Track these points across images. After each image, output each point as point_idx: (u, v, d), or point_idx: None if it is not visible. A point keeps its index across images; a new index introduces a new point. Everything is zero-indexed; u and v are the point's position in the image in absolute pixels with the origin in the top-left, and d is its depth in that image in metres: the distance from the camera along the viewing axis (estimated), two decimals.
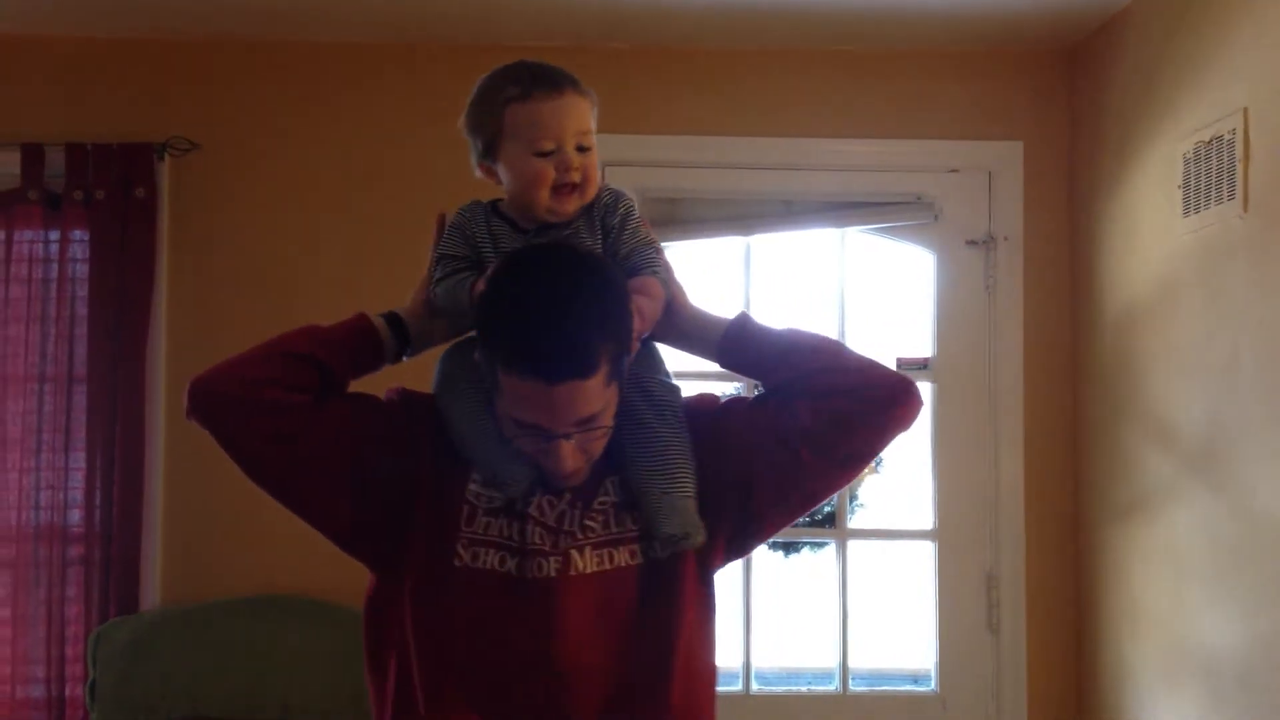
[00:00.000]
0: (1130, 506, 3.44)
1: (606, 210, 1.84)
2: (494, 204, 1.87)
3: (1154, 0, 3.35)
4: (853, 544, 3.87)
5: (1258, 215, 2.86)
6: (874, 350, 3.86)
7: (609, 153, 3.81)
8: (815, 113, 3.82)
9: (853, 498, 4.11)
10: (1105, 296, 3.59)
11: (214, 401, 1.74)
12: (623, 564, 1.77)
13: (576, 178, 1.78)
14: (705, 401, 1.90)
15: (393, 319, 1.84)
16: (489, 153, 1.83)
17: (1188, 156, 3.13)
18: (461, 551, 1.75)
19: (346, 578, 3.66)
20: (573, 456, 1.69)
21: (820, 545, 4.25)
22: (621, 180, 3.74)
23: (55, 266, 3.63)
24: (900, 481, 4.23)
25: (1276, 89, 2.80)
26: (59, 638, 3.56)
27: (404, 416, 1.80)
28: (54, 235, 3.63)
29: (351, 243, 3.72)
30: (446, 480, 1.76)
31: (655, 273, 1.81)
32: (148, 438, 3.61)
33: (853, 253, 3.90)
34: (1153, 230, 3.33)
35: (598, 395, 1.64)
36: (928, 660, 3.87)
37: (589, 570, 1.75)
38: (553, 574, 1.74)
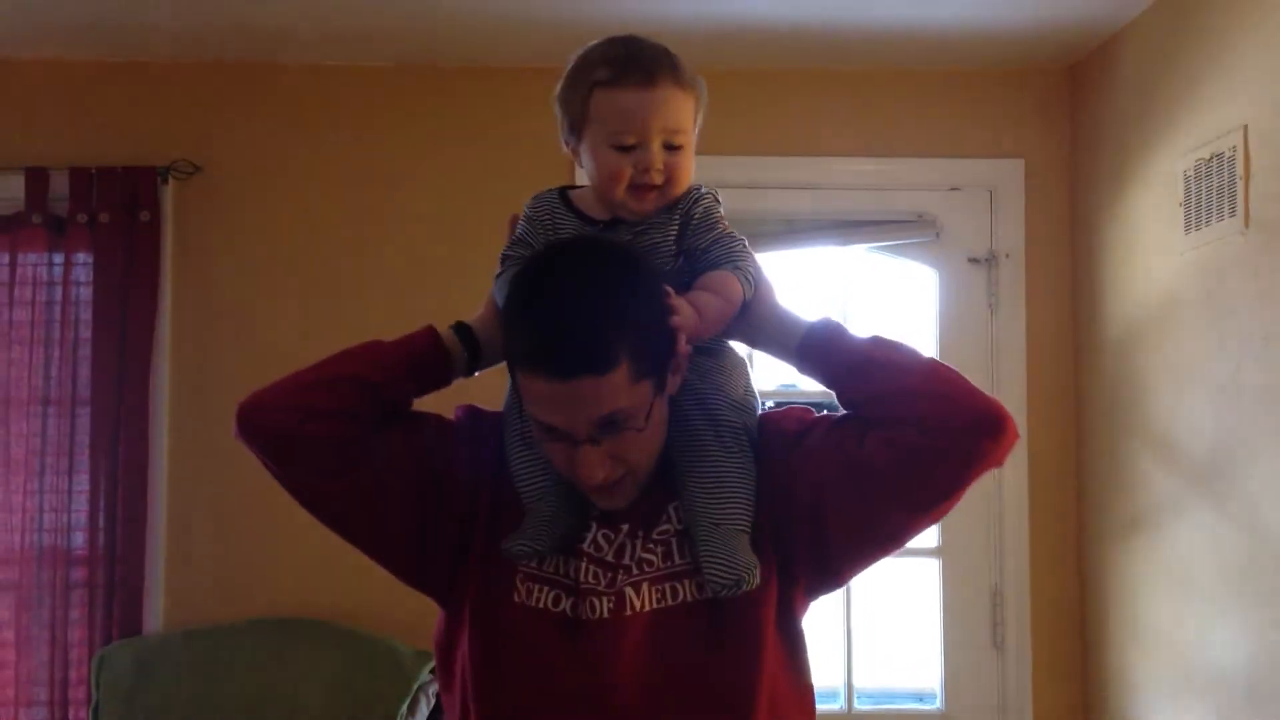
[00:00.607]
0: (1134, 523, 3.44)
1: (688, 204, 1.70)
2: (564, 191, 1.76)
3: (1154, 19, 3.37)
4: None
5: (1259, 232, 2.86)
6: None
7: None
8: (817, 131, 3.83)
9: None
10: (1107, 313, 3.59)
11: (260, 432, 1.63)
12: (688, 599, 1.61)
13: (658, 179, 1.65)
14: (790, 418, 1.72)
15: (462, 329, 1.69)
16: (574, 133, 1.70)
17: (1188, 174, 3.13)
18: (520, 586, 1.63)
19: (349, 600, 3.68)
20: (601, 464, 1.54)
21: None
22: None
23: (59, 289, 3.64)
24: None
25: (1276, 106, 2.81)
26: (62, 660, 3.56)
27: (468, 439, 1.70)
28: (58, 258, 3.64)
29: (355, 265, 3.72)
30: (507, 510, 1.65)
31: (736, 268, 1.65)
32: (151, 460, 3.61)
33: (855, 271, 3.90)
34: (1154, 247, 3.33)
35: (621, 393, 1.50)
36: (933, 678, 3.86)
37: (646, 608, 1.61)
38: (606, 615, 1.60)
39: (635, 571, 1.61)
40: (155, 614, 3.62)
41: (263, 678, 3.47)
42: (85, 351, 3.62)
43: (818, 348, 1.64)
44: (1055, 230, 3.83)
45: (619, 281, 1.53)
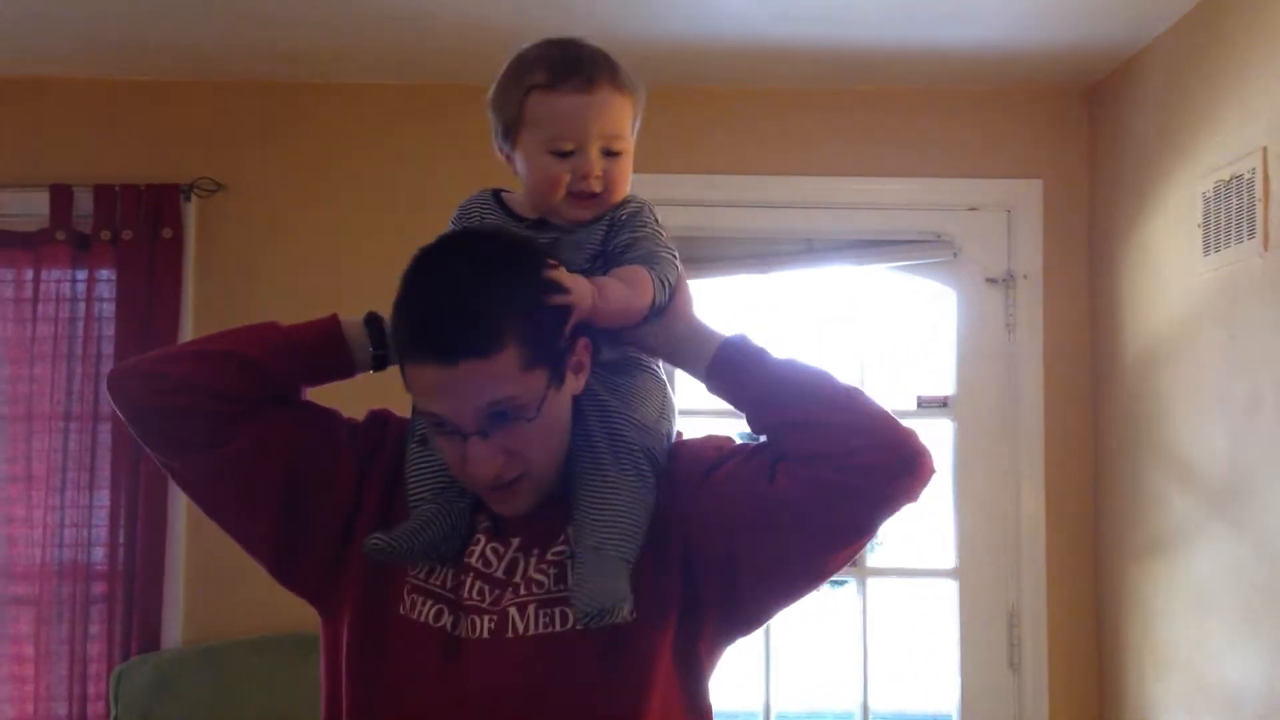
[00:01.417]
0: (1152, 545, 3.43)
1: (618, 209, 1.64)
2: (496, 192, 1.71)
3: (1173, 40, 3.37)
4: (873, 582, 3.86)
5: (1278, 254, 2.86)
6: (893, 389, 3.87)
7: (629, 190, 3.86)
8: (835, 151, 3.84)
9: None
10: (1125, 334, 3.59)
11: (121, 395, 1.56)
12: (576, 627, 1.49)
13: (596, 186, 1.59)
14: (708, 446, 1.63)
15: (372, 321, 1.60)
16: (508, 137, 1.64)
17: (1207, 195, 3.13)
18: (405, 598, 1.55)
19: None
20: (492, 459, 1.46)
21: (840, 583, 4.24)
22: None
23: (82, 305, 3.66)
24: (921, 519, 4.22)
25: None
26: (81, 675, 3.57)
27: (366, 440, 1.61)
28: (81, 274, 3.67)
29: (376, 282, 3.70)
30: (396, 515, 1.57)
31: (652, 268, 1.58)
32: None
33: (872, 291, 3.91)
34: (1173, 269, 3.33)
35: (508, 379, 1.43)
36: (949, 700, 3.85)
37: (530, 632, 1.51)
38: (486, 635, 1.52)
39: (522, 591, 1.53)
40: (174, 630, 3.63)
41: (280, 694, 3.47)
42: (107, 367, 3.63)
43: (730, 366, 1.57)
44: (1074, 251, 3.83)
45: (508, 265, 1.47)
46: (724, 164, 3.82)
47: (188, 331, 3.70)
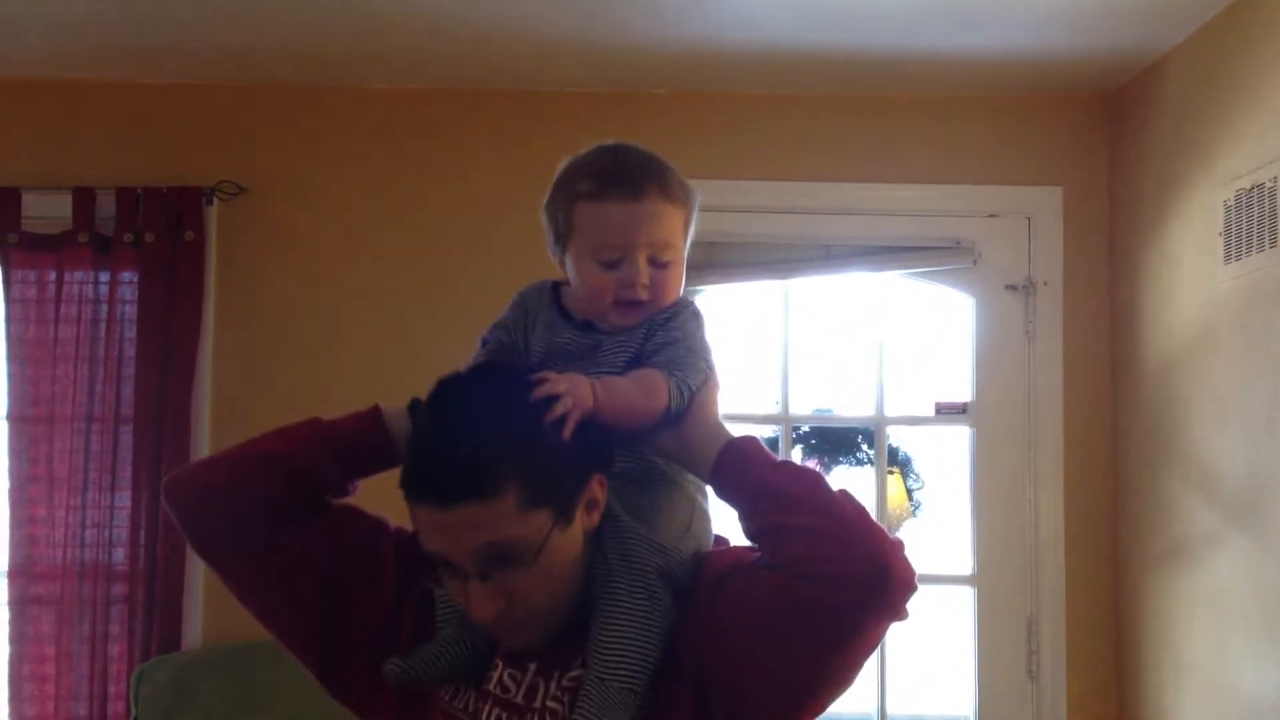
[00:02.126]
0: (1171, 553, 3.42)
1: (660, 315, 1.62)
2: (556, 285, 1.71)
3: (1194, 47, 3.36)
4: None
5: None
6: (912, 396, 3.86)
7: None
8: (855, 157, 3.84)
9: None
10: (1145, 342, 3.58)
11: (172, 506, 1.59)
12: None
13: (643, 295, 1.59)
14: (725, 559, 1.57)
15: (415, 408, 1.55)
16: (559, 243, 1.65)
17: (1228, 203, 3.12)
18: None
19: None
20: (491, 601, 1.44)
21: None
22: None
23: (105, 307, 3.68)
24: (939, 526, 4.21)
25: None
26: (102, 675, 3.59)
27: (411, 550, 1.54)
28: (104, 276, 3.69)
29: (397, 286, 3.76)
30: (429, 634, 1.57)
31: (671, 374, 1.56)
32: None
33: (892, 297, 3.91)
34: (1193, 277, 3.33)
35: (506, 522, 1.41)
36: (967, 706, 3.84)
37: None
38: None
39: (536, 719, 1.51)
40: (194, 630, 3.65)
41: (300, 697, 3.47)
42: (129, 369, 3.66)
43: (727, 471, 1.52)
44: (1094, 258, 3.82)
45: (512, 405, 1.45)
46: (744, 169, 3.83)
47: (209, 334, 3.72)
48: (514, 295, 1.73)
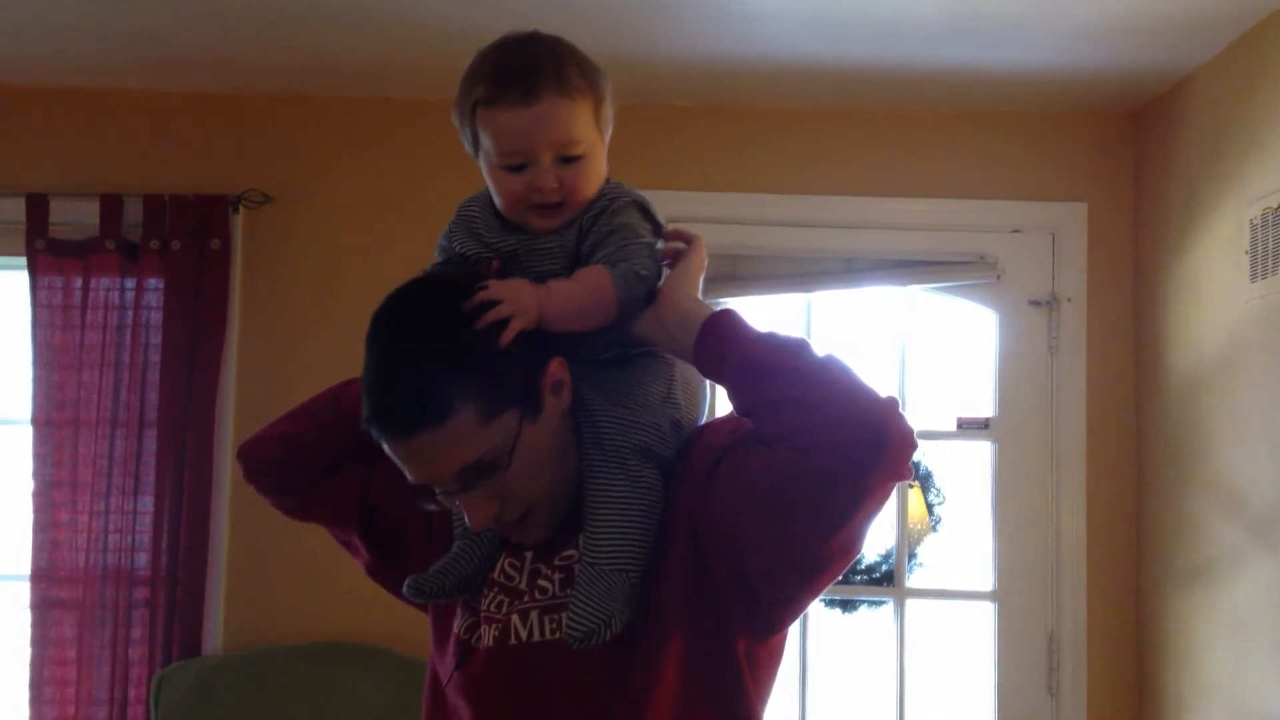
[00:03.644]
0: (1194, 572, 3.41)
1: (590, 210, 1.57)
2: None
3: (1220, 66, 3.36)
4: (911, 603, 3.85)
5: None
6: (933, 411, 3.85)
7: (671, 209, 3.88)
8: (878, 172, 3.84)
9: (911, 556, 4.09)
10: (1170, 360, 3.57)
11: (254, 470, 1.76)
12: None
13: (553, 198, 1.53)
14: (722, 430, 1.53)
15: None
16: (473, 147, 1.61)
17: (1254, 222, 3.11)
18: (459, 611, 1.62)
19: (408, 626, 3.70)
20: (485, 510, 1.47)
21: (878, 604, 4.22)
22: None
23: (130, 314, 3.70)
24: (960, 541, 4.20)
25: None
26: (122, 679, 3.60)
27: None
28: (130, 283, 3.71)
29: None
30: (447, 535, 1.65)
31: (614, 265, 1.52)
32: (215, 484, 3.67)
33: (914, 311, 3.90)
34: (1219, 295, 3.31)
35: (470, 440, 1.41)
36: None
37: (534, 639, 1.51)
38: (490, 643, 1.53)
39: (527, 599, 1.53)
40: (215, 636, 3.67)
41: (320, 702, 3.50)
42: (154, 375, 3.67)
43: (709, 350, 1.48)
44: (1118, 275, 3.81)
45: (450, 321, 1.44)
46: (767, 183, 3.83)
47: (233, 341, 3.73)
48: (458, 205, 1.70)
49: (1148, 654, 3.66)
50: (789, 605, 1.51)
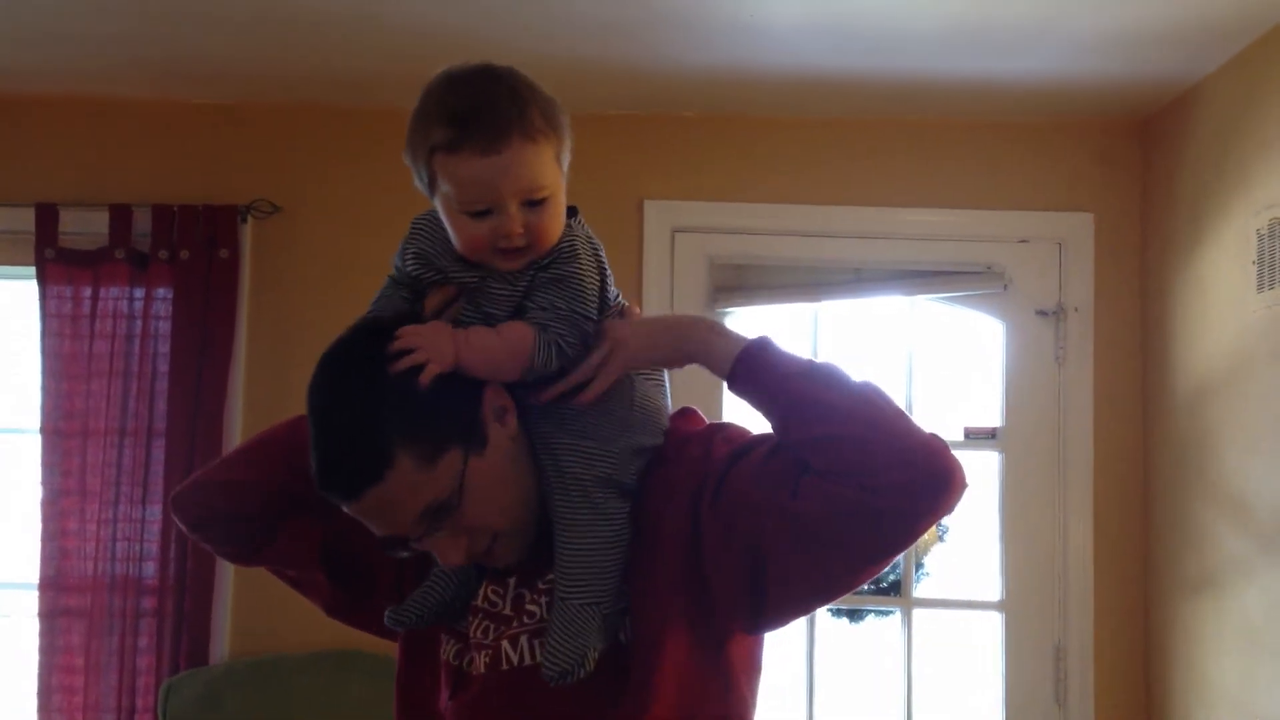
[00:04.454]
0: (1202, 581, 3.40)
1: (545, 258, 1.52)
2: None
3: (1228, 76, 3.36)
4: (918, 613, 3.84)
5: None
6: (940, 420, 3.85)
7: (679, 219, 3.92)
8: (885, 182, 3.85)
9: (918, 566, 4.09)
10: (1177, 370, 3.57)
11: (184, 522, 1.70)
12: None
13: (520, 243, 1.48)
14: (716, 445, 1.53)
15: None
16: (429, 188, 1.56)
17: (1261, 232, 3.11)
18: (443, 637, 1.63)
19: None
20: (453, 549, 1.47)
21: (886, 613, 4.22)
22: (690, 247, 3.80)
23: (139, 323, 3.71)
24: (967, 551, 4.20)
25: None
26: (130, 688, 3.61)
27: None
28: (139, 293, 3.72)
29: None
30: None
31: (543, 326, 1.49)
32: None
33: (922, 321, 3.90)
34: (1226, 305, 3.31)
35: (418, 487, 1.41)
36: None
37: (525, 663, 1.52)
38: (483, 670, 1.54)
39: (515, 625, 1.53)
40: (222, 644, 3.67)
41: (327, 711, 3.50)
42: (162, 384, 3.68)
43: (751, 377, 1.47)
44: (1125, 285, 3.81)
45: (368, 373, 1.43)
46: (774, 193, 3.84)
47: (241, 351, 3.74)
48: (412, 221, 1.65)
49: (1155, 664, 3.66)
50: (798, 612, 1.53)
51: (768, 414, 1.47)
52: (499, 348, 1.48)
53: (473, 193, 1.47)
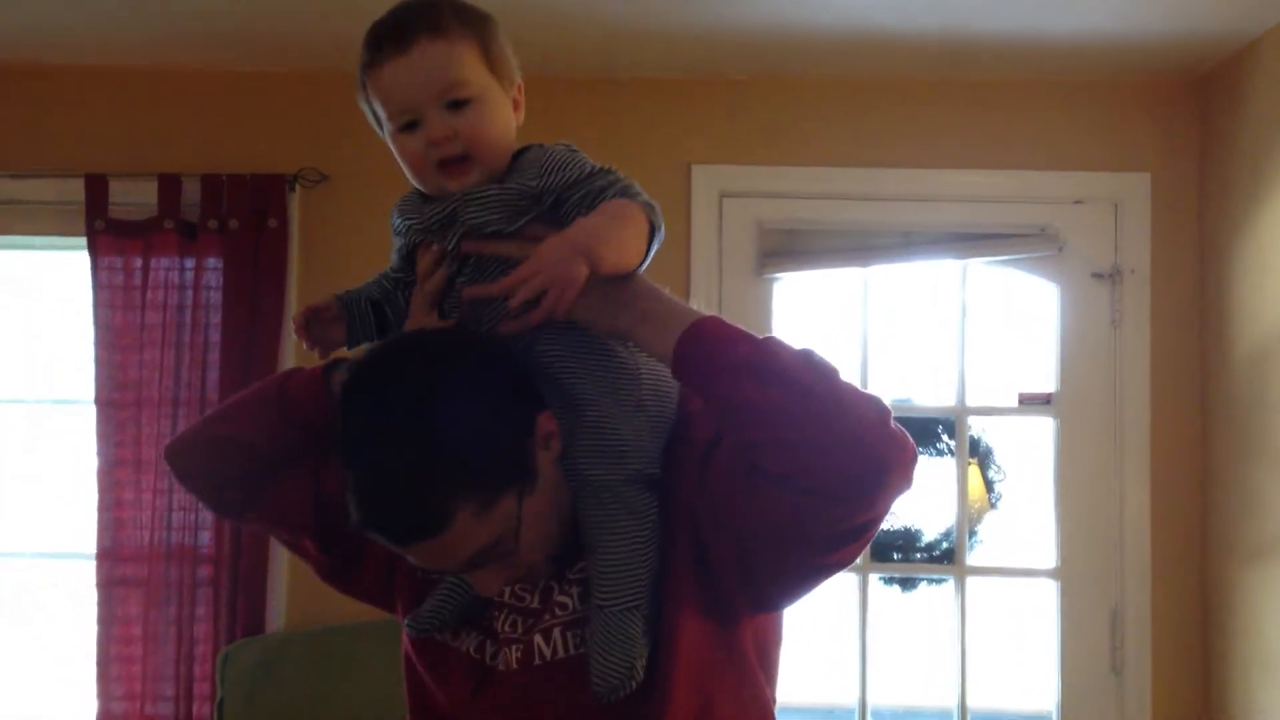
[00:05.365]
0: (1260, 547, 3.35)
1: (516, 159, 1.50)
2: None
3: None
4: (972, 580, 3.81)
5: None
6: (994, 386, 3.80)
7: (727, 183, 3.89)
8: (936, 143, 3.80)
9: (972, 533, 4.05)
10: (1236, 332, 3.51)
11: (181, 479, 1.66)
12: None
13: (453, 149, 1.45)
14: (701, 426, 1.48)
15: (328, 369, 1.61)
16: (380, 125, 1.54)
17: None
18: (465, 631, 1.59)
19: None
20: (495, 581, 1.44)
21: (939, 581, 4.19)
22: (738, 212, 3.76)
23: (190, 293, 3.73)
24: (1021, 518, 4.16)
25: None
26: (188, 656, 3.64)
27: None
28: (189, 263, 3.73)
29: None
30: None
31: (628, 195, 1.44)
32: None
33: (974, 285, 3.85)
34: None
35: (475, 534, 1.36)
36: (1049, 701, 3.79)
37: (559, 656, 1.48)
38: (515, 666, 1.50)
39: (547, 618, 1.49)
40: (278, 613, 3.70)
41: (382, 678, 3.52)
42: (214, 354, 3.70)
43: (691, 364, 1.38)
44: (1183, 246, 3.75)
45: (417, 425, 1.33)
46: (823, 156, 3.80)
47: (291, 320, 3.74)
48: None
49: (1213, 631, 3.61)
50: (795, 595, 1.47)
51: (710, 405, 1.41)
52: (612, 226, 1.39)
53: (394, 104, 1.45)
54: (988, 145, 3.79)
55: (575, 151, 1.51)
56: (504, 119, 1.49)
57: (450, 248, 1.49)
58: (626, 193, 1.45)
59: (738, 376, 1.34)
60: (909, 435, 1.34)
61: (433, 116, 1.44)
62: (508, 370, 1.43)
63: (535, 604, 1.51)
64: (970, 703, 3.77)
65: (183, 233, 3.72)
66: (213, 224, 3.71)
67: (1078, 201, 3.79)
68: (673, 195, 3.76)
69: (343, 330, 1.64)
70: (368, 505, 1.35)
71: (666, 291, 1.46)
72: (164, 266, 3.74)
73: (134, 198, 3.74)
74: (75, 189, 3.73)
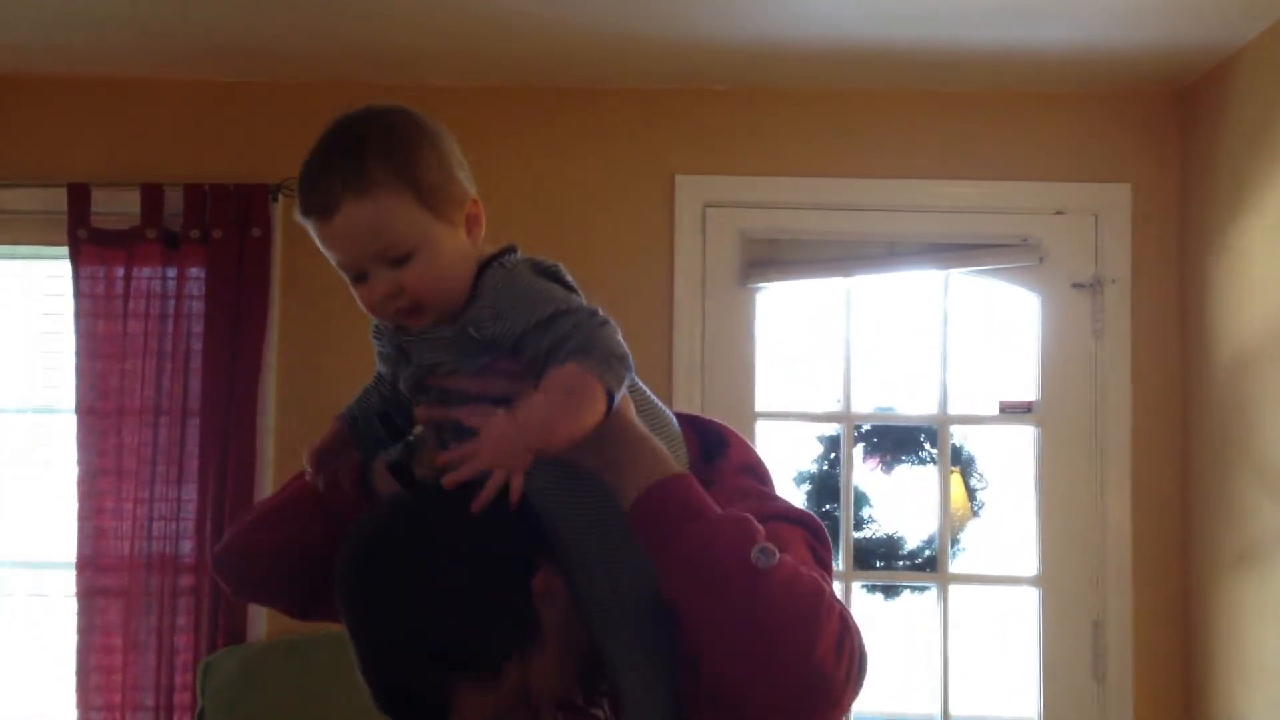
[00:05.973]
0: (1242, 556, 3.37)
1: (474, 294, 1.40)
2: None
3: (1269, 41, 3.30)
4: (954, 588, 3.82)
5: None
6: (976, 395, 3.81)
7: (710, 194, 3.89)
8: (919, 154, 3.81)
9: (954, 541, 4.06)
10: (1216, 343, 3.52)
11: (243, 586, 1.66)
12: None
13: (401, 304, 1.37)
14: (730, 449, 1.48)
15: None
16: None
17: None
18: None
19: None
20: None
21: (922, 589, 4.20)
22: (722, 222, 3.77)
23: (172, 303, 3.72)
24: (1003, 526, 4.17)
25: None
26: (168, 666, 3.63)
27: None
28: (171, 272, 3.73)
29: None
30: None
31: (581, 353, 1.31)
32: (258, 471, 3.68)
33: (956, 295, 3.87)
34: (1267, 275, 3.27)
35: (482, 705, 1.36)
36: (1031, 708, 3.80)
37: None
38: None
39: None
40: (259, 622, 3.69)
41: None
42: (196, 364, 3.69)
43: (643, 533, 1.32)
44: (1163, 256, 3.76)
45: (413, 599, 1.33)
46: (806, 166, 3.81)
47: (274, 330, 3.75)
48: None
49: (1195, 639, 3.63)
50: None
51: (660, 577, 1.32)
52: (562, 406, 1.28)
53: (336, 260, 1.39)
54: (970, 156, 3.81)
55: (538, 276, 1.41)
56: (451, 258, 1.39)
57: (406, 385, 1.47)
58: (586, 347, 1.31)
59: (672, 577, 1.29)
60: (857, 646, 1.29)
61: (375, 274, 1.36)
62: (500, 528, 1.35)
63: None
64: (953, 710, 3.78)
65: (165, 242, 3.71)
66: (195, 234, 3.70)
67: (1059, 212, 3.80)
68: (656, 206, 3.77)
69: (354, 453, 1.57)
70: (372, 681, 1.38)
71: (637, 428, 1.38)
72: (146, 276, 3.73)
73: (117, 207, 3.73)
74: (58, 198, 3.72)
